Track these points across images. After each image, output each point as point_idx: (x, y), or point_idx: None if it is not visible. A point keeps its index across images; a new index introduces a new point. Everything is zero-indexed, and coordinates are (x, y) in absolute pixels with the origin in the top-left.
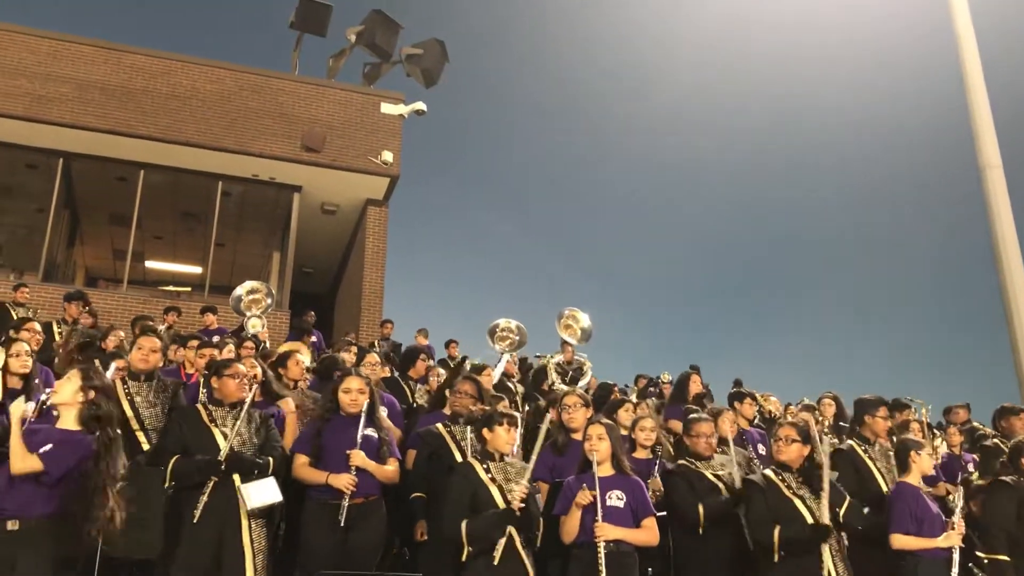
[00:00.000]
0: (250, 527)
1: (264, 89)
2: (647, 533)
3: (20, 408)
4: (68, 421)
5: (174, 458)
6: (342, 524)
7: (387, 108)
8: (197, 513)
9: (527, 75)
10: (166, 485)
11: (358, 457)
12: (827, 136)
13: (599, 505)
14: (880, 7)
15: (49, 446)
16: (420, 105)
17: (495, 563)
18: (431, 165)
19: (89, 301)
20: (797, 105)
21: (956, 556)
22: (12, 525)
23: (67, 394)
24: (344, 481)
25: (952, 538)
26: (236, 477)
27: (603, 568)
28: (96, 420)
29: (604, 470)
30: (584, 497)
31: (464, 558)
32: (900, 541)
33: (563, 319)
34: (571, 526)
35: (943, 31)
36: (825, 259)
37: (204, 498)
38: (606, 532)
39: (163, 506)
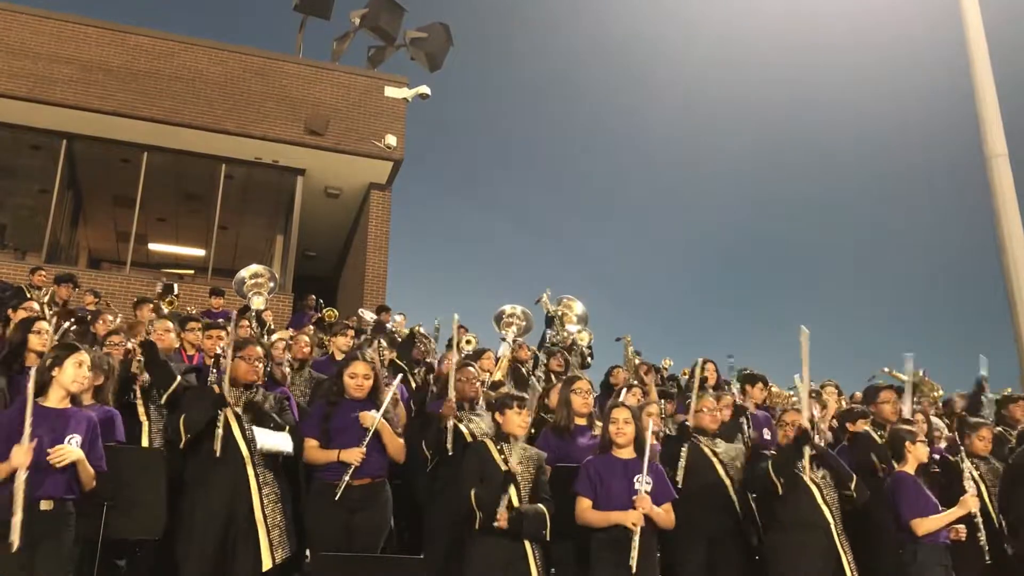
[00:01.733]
0: (263, 503)
1: (268, 72)
2: (669, 516)
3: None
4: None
5: (183, 415)
6: (336, 498)
7: (391, 92)
8: (217, 448)
9: (531, 61)
10: (182, 443)
11: (368, 418)
12: (832, 126)
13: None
14: None
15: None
16: (424, 89)
17: (501, 542)
18: (434, 149)
19: (78, 283)
20: (802, 93)
21: (980, 521)
22: (46, 505)
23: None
24: (355, 455)
25: (969, 502)
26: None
27: (636, 551)
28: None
29: (627, 453)
30: (644, 504)
31: (477, 525)
32: (925, 525)
33: (559, 306)
34: (599, 520)
35: (950, 18)
36: (828, 248)
37: (219, 431)
38: (646, 514)
39: (164, 487)
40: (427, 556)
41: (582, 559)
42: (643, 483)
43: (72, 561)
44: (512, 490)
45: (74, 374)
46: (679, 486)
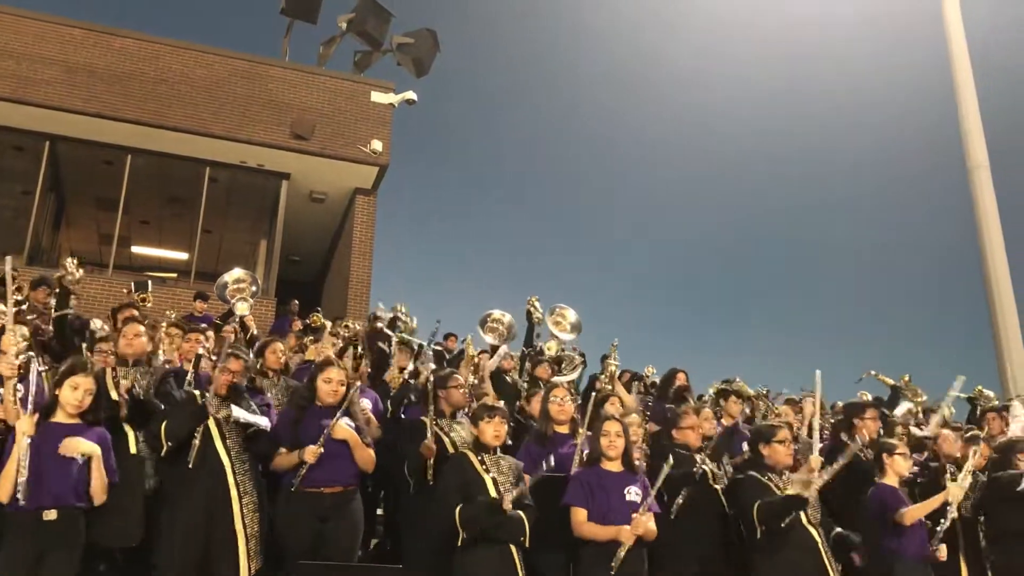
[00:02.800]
0: (243, 512)
1: (254, 75)
2: (654, 528)
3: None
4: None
5: (164, 420)
6: (292, 490)
7: (377, 97)
8: (191, 459)
9: (519, 67)
10: (163, 451)
11: (342, 430)
12: (816, 136)
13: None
14: (871, 8)
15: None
16: (411, 95)
17: (488, 553)
18: (421, 155)
19: (55, 285)
20: (785, 105)
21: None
22: (49, 515)
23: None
24: (311, 453)
25: (952, 489)
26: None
27: (618, 562)
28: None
29: (616, 466)
30: (630, 536)
31: (459, 543)
32: (911, 513)
33: (553, 315)
34: (600, 534)
35: (933, 27)
36: (811, 258)
37: (196, 442)
38: (641, 527)
39: (143, 494)
40: (407, 567)
41: (567, 570)
42: (644, 505)
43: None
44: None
45: (70, 396)
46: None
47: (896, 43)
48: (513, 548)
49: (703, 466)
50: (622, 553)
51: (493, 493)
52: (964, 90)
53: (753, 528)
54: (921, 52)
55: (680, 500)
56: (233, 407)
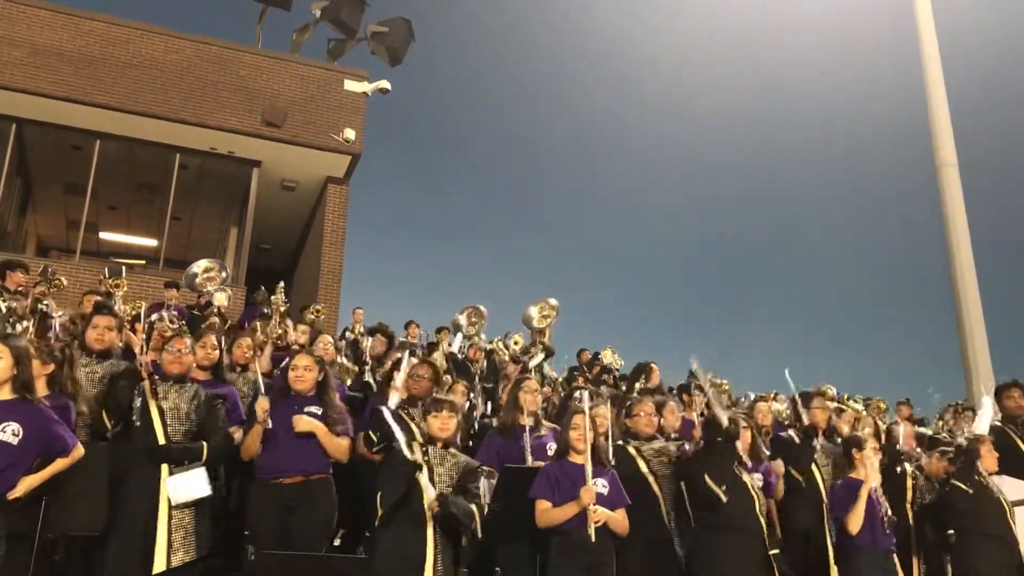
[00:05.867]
0: (170, 502)
1: (226, 61)
2: (624, 523)
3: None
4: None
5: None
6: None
7: (351, 85)
8: (109, 429)
9: (494, 56)
10: (108, 432)
11: (302, 422)
12: (789, 132)
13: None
14: (842, 6)
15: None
16: (384, 84)
17: (396, 526)
18: (394, 144)
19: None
20: (759, 101)
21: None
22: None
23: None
24: (260, 404)
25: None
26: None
27: (593, 526)
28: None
29: (584, 459)
30: (589, 496)
31: (376, 523)
32: (851, 522)
33: (545, 309)
34: (559, 515)
35: (904, 24)
36: (777, 256)
37: (138, 402)
38: (602, 515)
39: (106, 481)
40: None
41: (534, 562)
42: (597, 485)
43: None
44: (422, 478)
45: None
46: None
47: (865, 38)
48: (429, 524)
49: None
50: (593, 515)
51: (424, 482)
52: (934, 88)
53: (718, 498)
54: (890, 48)
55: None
56: (171, 484)
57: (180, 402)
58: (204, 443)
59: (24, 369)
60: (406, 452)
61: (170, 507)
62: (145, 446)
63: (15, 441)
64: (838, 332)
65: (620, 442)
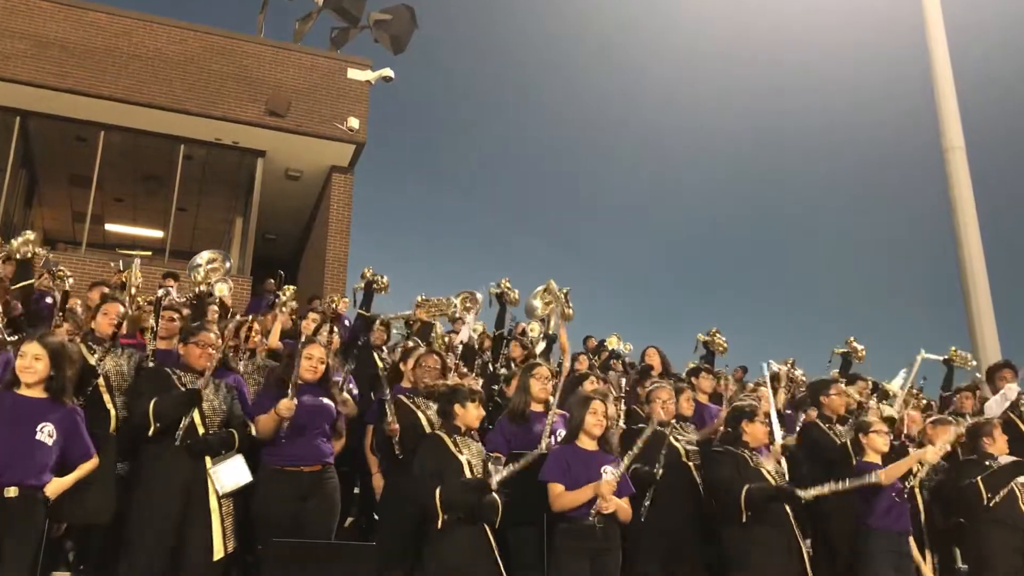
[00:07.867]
0: (219, 492)
1: (229, 52)
2: (628, 510)
3: None
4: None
5: (153, 400)
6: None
7: (354, 74)
8: (178, 439)
9: (498, 44)
10: (150, 430)
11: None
12: (793, 119)
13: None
14: None
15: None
16: (388, 72)
17: (464, 534)
18: (398, 133)
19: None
20: (764, 87)
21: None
22: (11, 492)
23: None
24: (286, 405)
25: (928, 455)
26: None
27: (599, 513)
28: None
29: (593, 445)
30: (609, 487)
31: (439, 525)
32: (887, 472)
33: (545, 296)
34: (575, 499)
35: (913, 15)
36: (783, 241)
37: (181, 432)
38: (614, 504)
39: (113, 470)
40: (380, 544)
41: (541, 545)
42: (616, 474)
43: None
44: (492, 467)
45: (19, 364)
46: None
47: (872, 22)
48: (487, 528)
49: (677, 442)
50: (604, 502)
51: (468, 475)
52: (941, 70)
53: (734, 507)
54: (898, 32)
55: (647, 503)
56: (214, 473)
57: (211, 395)
58: (234, 431)
59: (60, 371)
60: (500, 476)
61: (218, 496)
62: (185, 440)
63: (50, 442)
64: (844, 316)
65: (659, 427)
